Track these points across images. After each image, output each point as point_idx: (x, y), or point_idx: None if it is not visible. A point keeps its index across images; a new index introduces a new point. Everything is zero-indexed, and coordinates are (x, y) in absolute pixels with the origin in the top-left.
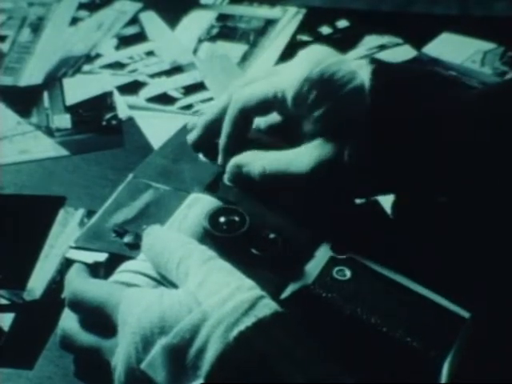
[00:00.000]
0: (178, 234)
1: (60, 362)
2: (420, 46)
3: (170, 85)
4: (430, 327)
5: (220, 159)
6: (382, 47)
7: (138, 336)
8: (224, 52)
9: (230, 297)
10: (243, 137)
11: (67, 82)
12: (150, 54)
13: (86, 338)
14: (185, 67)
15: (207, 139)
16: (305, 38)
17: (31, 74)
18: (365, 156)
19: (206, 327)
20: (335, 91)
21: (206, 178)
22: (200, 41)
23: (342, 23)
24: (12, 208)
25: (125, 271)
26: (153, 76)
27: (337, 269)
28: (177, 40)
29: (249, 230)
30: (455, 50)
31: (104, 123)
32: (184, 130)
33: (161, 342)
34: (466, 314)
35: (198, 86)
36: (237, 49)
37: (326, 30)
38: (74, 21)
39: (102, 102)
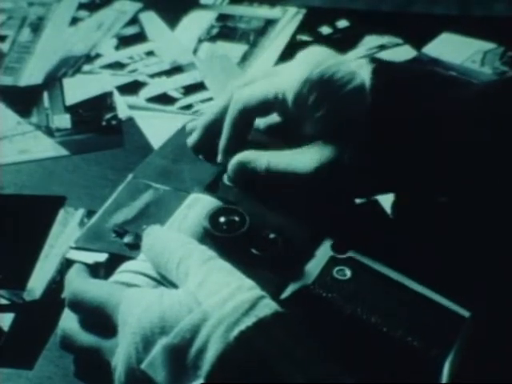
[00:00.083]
0: (178, 234)
1: (60, 362)
2: (420, 46)
3: (170, 85)
4: (430, 326)
5: (219, 159)
6: (382, 47)
7: (139, 336)
8: (224, 52)
9: (231, 297)
10: (244, 137)
11: (67, 82)
12: (149, 54)
13: (86, 338)
14: (185, 67)
15: (208, 141)
16: (305, 38)
17: (31, 73)
18: (365, 156)
19: (207, 327)
20: (335, 92)
21: (206, 178)
22: (200, 41)
23: (342, 23)
24: (12, 208)
25: (125, 271)
26: (153, 76)
27: (337, 268)
28: (177, 40)
29: (249, 229)
30: (455, 50)
31: (104, 123)
32: (184, 130)
33: (161, 342)
34: (466, 314)
35: (198, 86)
36: (237, 49)
37: (326, 30)
38: (74, 21)
39: (102, 102)
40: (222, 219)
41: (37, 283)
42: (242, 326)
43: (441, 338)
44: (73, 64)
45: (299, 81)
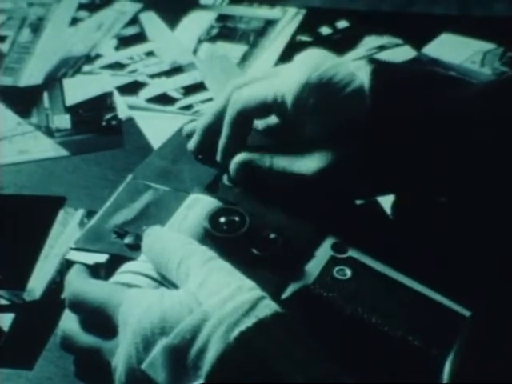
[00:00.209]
0: (178, 235)
1: (60, 362)
2: (420, 47)
3: (170, 85)
4: (430, 326)
5: (218, 159)
6: (382, 48)
7: (139, 336)
8: (224, 52)
9: (231, 297)
10: (243, 138)
11: (67, 83)
12: (149, 54)
13: (87, 338)
14: (185, 67)
15: (208, 144)
16: (305, 38)
17: (31, 74)
18: (365, 157)
19: (207, 327)
20: (335, 94)
21: (206, 179)
22: (200, 41)
23: (342, 24)
24: (12, 208)
25: (125, 272)
26: (153, 76)
27: (337, 268)
28: (177, 40)
29: (249, 230)
30: (455, 50)
31: (104, 123)
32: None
33: (161, 343)
34: (466, 313)
35: (198, 87)
36: (237, 49)
37: (325, 30)
38: (74, 21)
39: (102, 103)
40: (222, 219)
41: (37, 283)
42: (242, 327)
43: (441, 338)
44: (73, 64)
45: (298, 84)
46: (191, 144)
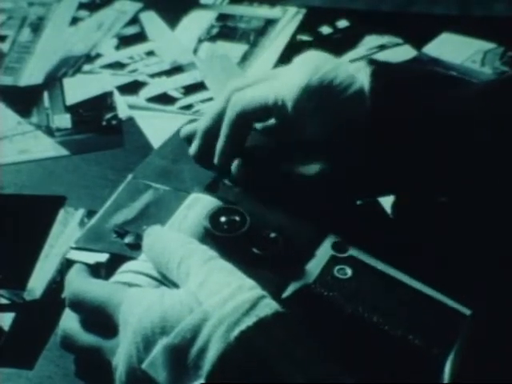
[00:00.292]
0: (178, 234)
1: (60, 361)
2: (420, 46)
3: (170, 85)
4: (431, 325)
5: (217, 162)
6: (382, 47)
7: (139, 336)
8: (224, 52)
9: (231, 297)
10: (242, 140)
11: (67, 82)
12: (150, 53)
13: (87, 338)
14: (185, 67)
15: (209, 149)
16: (305, 37)
17: (31, 73)
18: (366, 158)
19: (207, 327)
20: (335, 97)
21: (206, 178)
22: (200, 41)
23: (342, 23)
24: (12, 208)
25: (126, 271)
26: (153, 76)
27: (338, 267)
28: (177, 40)
29: (249, 229)
30: (455, 50)
31: (104, 123)
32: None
33: (162, 342)
34: (466, 312)
35: (198, 86)
36: (237, 49)
37: (326, 29)
38: (74, 21)
39: (102, 102)
40: (223, 219)
41: (37, 283)
42: (243, 326)
43: (442, 337)
44: (73, 64)
45: (299, 87)
46: (192, 149)
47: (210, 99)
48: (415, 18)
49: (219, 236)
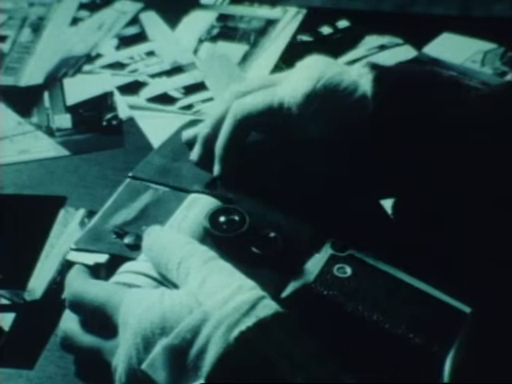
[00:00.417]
0: (178, 235)
1: (60, 362)
2: (420, 46)
3: (171, 85)
4: (431, 323)
5: (217, 169)
6: (382, 47)
7: (139, 336)
8: (224, 52)
9: (231, 297)
10: (241, 147)
11: (68, 82)
12: (150, 54)
13: (87, 338)
14: (185, 67)
15: (209, 154)
16: (305, 38)
17: (32, 73)
18: (368, 162)
19: (207, 328)
20: (340, 102)
21: (206, 177)
22: (200, 41)
23: (343, 23)
24: (12, 208)
25: (125, 272)
26: (153, 76)
27: (337, 266)
28: (177, 40)
29: (249, 229)
30: (455, 50)
31: (104, 123)
32: (183, 130)
33: (161, 343)
34: (467, 310)
35: (199, 86)
36: (237, 49)
37: (326, 30)
38: (75, 21)
39: (103, 102)
40: (222, 219)
41: (37, 283)
42: (243, 327)
43: (442, 335)
44: (73, 64)
45: (303, 94)
46: (194, 155)
47: (211, 99)
48: (415, 18)
49: (219, 236)
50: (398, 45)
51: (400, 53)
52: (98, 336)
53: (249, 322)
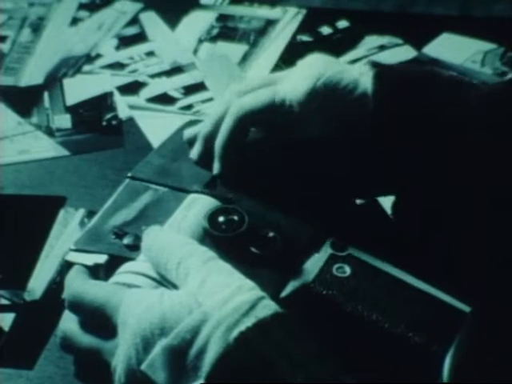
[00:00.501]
0: (177, 235)
1: (60, 362)
2: (420, 46)
3: (170, 85)
4: (431, 322)
5: (216, 168)
6: (382, 47)
7: (139, 337)
8: (224, 52)
9: (231, 297)
10: (239, 147)
11: (67, 82)
12: (150, 54)
13: (86, 339)
14: (185, 67)
15: (209, 153)
16: (305, 38)
17: (31, 74)
18: (368, 160)
19: (207, 328)
20: (340, 100)
21: (205, 177)
22: (200, 41)
23: (343, 23)
24: (12, 208)
25: (125, 272)
26: (153, 76)
27: (337, 266)
28: (177, 40)
29: (248, 229)
30: (455, 50)
31: (104, 123)
32: (183, 129)
33: (161, 343)
34: (466, 309)
35: (199, 87)
36: (237, 49)
37: (326, 30)
38: (75, 21)
39: (103, 102)
40: (221, 219)
41: (37, 283)
42: (242, 327)
43: (441, 334)
44: (73, 64)
45: (304, 92)
46: (194, 154)
47: (210, 99)
48: (415, 18)
49: (218, 236)
50: (397, 45)
51: (400, 53)
52: (98, 336)
53: (248, 322)
